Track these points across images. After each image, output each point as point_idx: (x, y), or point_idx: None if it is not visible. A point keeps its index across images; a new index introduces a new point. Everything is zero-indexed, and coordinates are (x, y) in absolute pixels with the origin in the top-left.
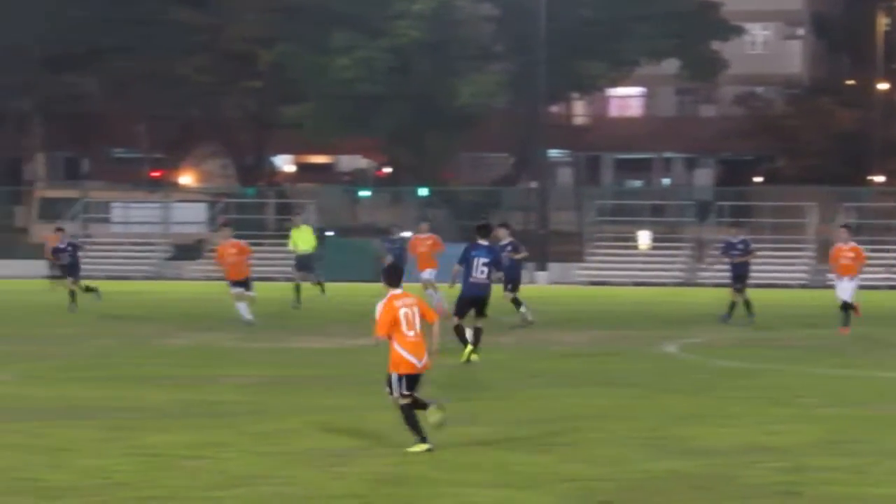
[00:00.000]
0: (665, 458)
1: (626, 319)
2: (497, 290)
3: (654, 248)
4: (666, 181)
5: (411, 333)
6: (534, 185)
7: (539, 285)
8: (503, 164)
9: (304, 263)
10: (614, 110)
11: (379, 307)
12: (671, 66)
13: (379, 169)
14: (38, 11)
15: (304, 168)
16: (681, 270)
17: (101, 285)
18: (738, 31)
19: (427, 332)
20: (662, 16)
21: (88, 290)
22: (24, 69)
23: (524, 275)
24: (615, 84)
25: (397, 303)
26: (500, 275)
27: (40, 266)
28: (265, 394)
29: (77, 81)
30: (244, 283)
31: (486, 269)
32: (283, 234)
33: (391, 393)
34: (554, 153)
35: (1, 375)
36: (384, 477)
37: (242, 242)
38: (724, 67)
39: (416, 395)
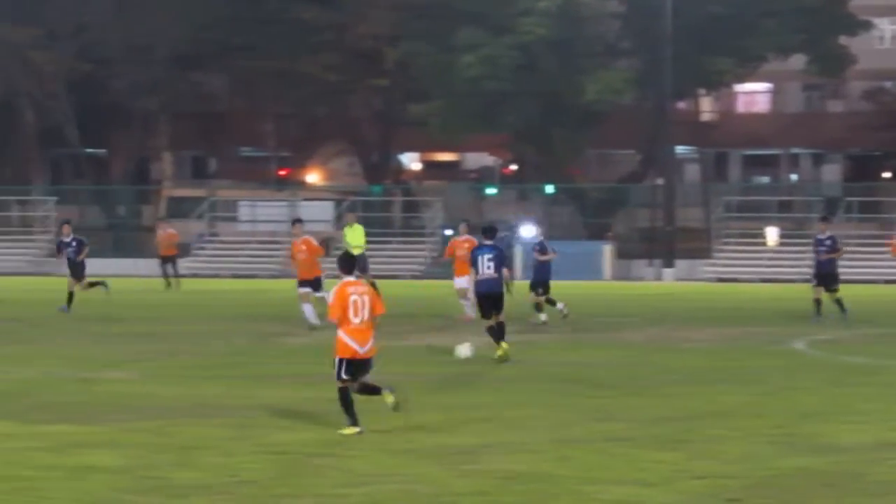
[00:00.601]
0: (793, 455)
1: (753, 316)
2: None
3: (782, 244)
4: (793, 177)
5: (357, 320)
6: (660, 181)
7: (666, 282)
8: (630, 161)
9: (359, 264)
10: (741, 106)
11: (332, 292)
12: (798, 61)
13: (505, 166)
14: (165, 11)
15: (430, 166)
16: (808, 267)
17: (228, 284)
18: (866, 25)
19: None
20: (790, 11)
21: (93, 285)
22: (151, 69)
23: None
24: (742, 80)
25: (349, 289)
26: (506, 272)
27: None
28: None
29: (204, 80)
30: (313, 283)
31: (491, 264)
32: (409, 232)
33: (336, 377)
34: (681, 150)
35: (128, 374)
36: (511, 474)
37: (314, 241)
38: (851, 62)
39: (365, 380)
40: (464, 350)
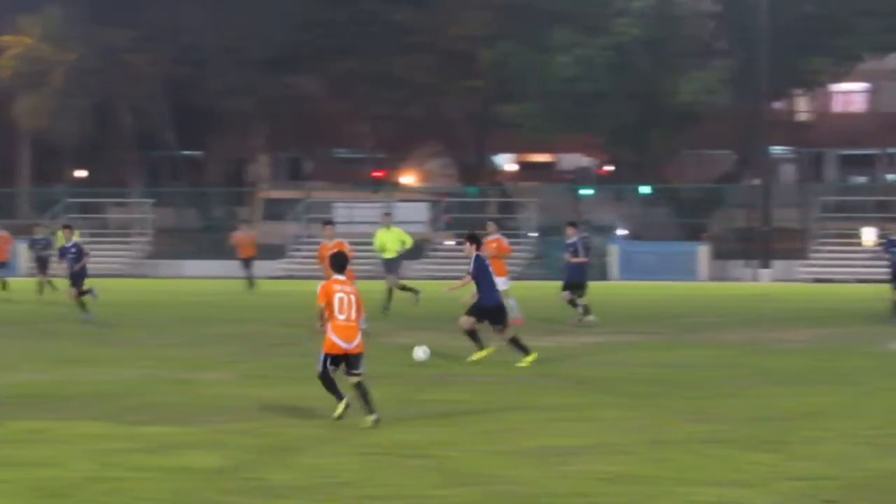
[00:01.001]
0: (890, 458)
1: (849, 317)
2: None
3: (879, 244)
4: (891, 177)
5: (342, 317)
6: (756, 182)
7: (762, 283)
8: (726, 162)
9: (392, 267)
10: (838, 106)
11: (318, 288)
12: (895, 60)
13: (601, 167)
14: (260, 14)
15: (525, 167)
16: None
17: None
18: None
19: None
20: (886, 10)
21: (82, 293)
22: (246, 71)
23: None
24: (838, 79)
25: (336, 287)
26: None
27: (264, 267)
28: (490, 392)
29: (299, 82)
30: None
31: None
32: (505, 233)
33: (318, 367)
34: (776, 150)
35: (225, 375)
36: (608, 475)
37: (346, 244)
38: None
39: (364, 388)
40: (419, 353)
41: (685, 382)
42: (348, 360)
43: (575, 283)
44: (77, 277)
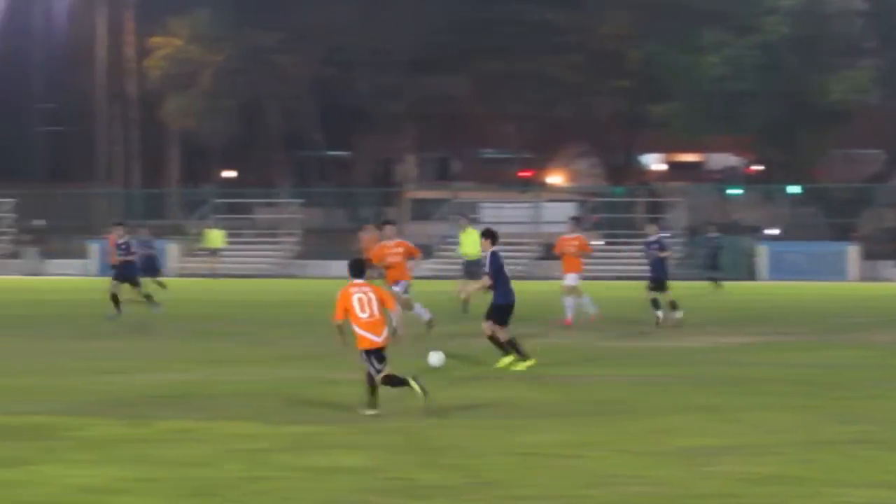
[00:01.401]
0: None
1: None
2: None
3: None
4: None
5: (365, 315)
6: None
7: None
8: (875, 161)
9: (473, 270)
10: None
11: (338, 295)
12: None
13: (748, 166)
14: (407, 15)
15: (674, 166)
16: None
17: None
18: None
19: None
20: None
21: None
22: (394, 72)
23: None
24: None
25: (353, 290)
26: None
27: (415, 266)
28: (635, 393)
29: (446, 83)
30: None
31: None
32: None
33: (368, 369)
34: None
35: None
36: (754, 476)
37: (409, 243)
38: None
39: (388, 372)
40: (434, 359)
41: (833, 383)
42: (379, 353)
43: (658, 282)
44: (126, 274)
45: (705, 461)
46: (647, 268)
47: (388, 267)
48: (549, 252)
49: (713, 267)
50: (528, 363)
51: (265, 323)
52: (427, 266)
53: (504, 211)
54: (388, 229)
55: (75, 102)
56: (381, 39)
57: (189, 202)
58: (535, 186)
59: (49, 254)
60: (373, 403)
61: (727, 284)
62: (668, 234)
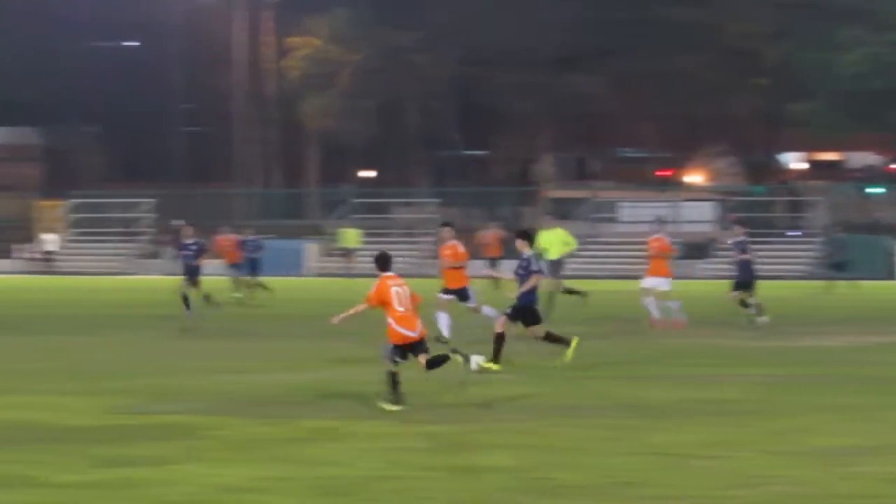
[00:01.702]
0: None
1: None
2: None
3: None
4: None
5: (401, 309)
6: None
7: None
8: None
9: (555, 269)
10: None
11: (374, 285)
12: None
13: (889, 165)
14: (543, 13)
15: (814, 165)
16: None
17: (606, 285)
18: None
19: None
20: None
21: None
22: (532, 71)
23: None
24: None
25: (389, 282)
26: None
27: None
28: (771, 392)
29: (584, 81)
30: (458, 292)
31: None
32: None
33: (387, 360)
34: None
35: (509, 374)
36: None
37: (460, 246)
38: None
39: (429, 357)
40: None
41: None
42: (414, 347)
43: (745, 283)
44: (193, 272)
45: (845, 461)
46: (786, 266)
47: (445, 270)
48: (687, 251)
49: (837, 266)
50: (496, 367)
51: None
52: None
53: (642, 210)
54: (446, 231)
55: (214, 103)
56: (519, 38)
57: (328, 202)
58: (673, 186)
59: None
60: (395, 399)
61: (865, 284)
62: (800, 233)
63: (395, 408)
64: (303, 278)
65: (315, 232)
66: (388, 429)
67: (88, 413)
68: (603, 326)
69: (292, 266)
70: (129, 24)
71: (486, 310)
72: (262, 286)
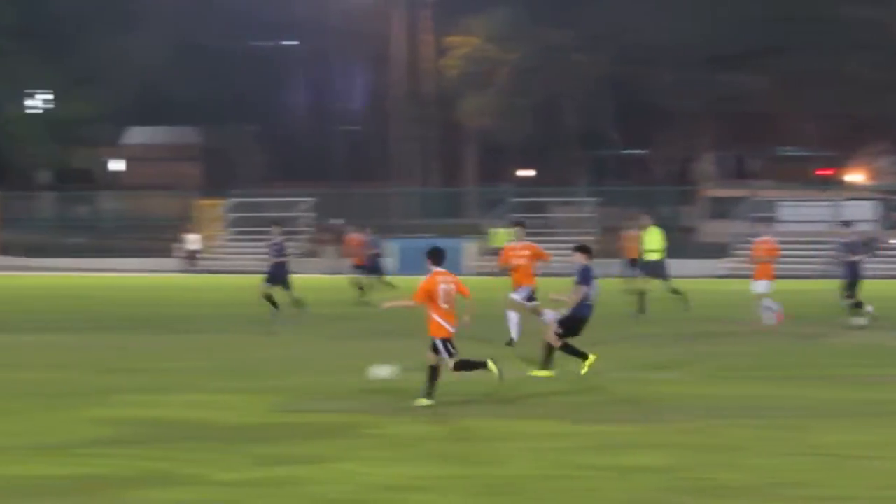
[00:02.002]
0: None
1: None
2: None
3: None
4: None
5: (446, 306)
6: None
7: None
8: None
9: (654, 269)
10: None
11: (424, 280)
12: None
13: None
14: (702, 12)
15: None
16: None
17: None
18: None
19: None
20: None
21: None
22: (692, 69)
23: None
24: None
25: (439, 278)
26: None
27: (710, 266)
28: None
29: (746, 80)
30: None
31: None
32: None
33: (439, 354)
34: None
35: (678, 374)
36: None
37: (537, 246)
38: None
39: (462, 359)
40: (381, 371)
41: None
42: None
43: (852, 283)
44: (278, 276)
45: None
46: None
47: (512, 270)
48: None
49: None
50: (547, 373)
51: None
52: (723, 265)
53: (802, 210)
54: (518, 231)
55: (372, 102)
56: (678, 36)
57: (486, 201)
58: (834, 185)
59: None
60: (431, 394)
61: None
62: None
63: (429, 402)
64: (467, 276)
65: (473, 231)
66: (555, 428)
67: (249, 411)
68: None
69: (450, 265)
70: (288, 24)
71: (548, 314)
72: (389, 285)
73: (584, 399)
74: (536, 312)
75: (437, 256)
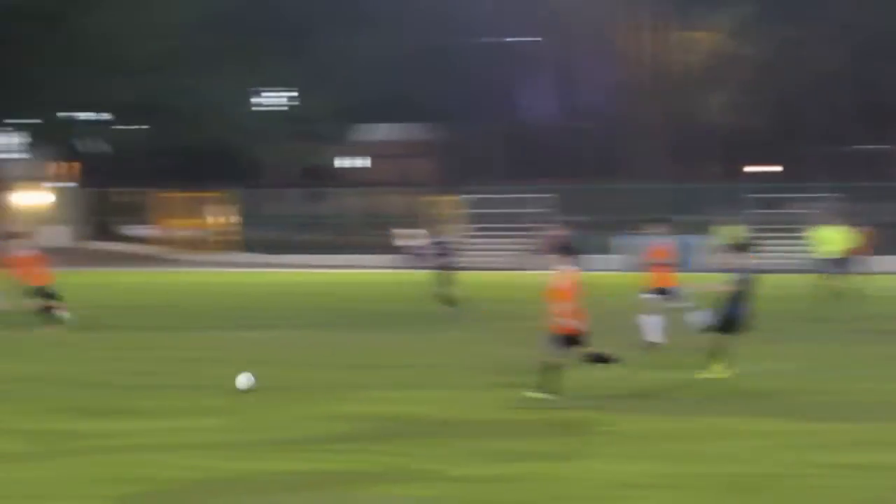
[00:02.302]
0: None
1: None
2: None
3: None
4: None
5: (576, 304)
6: None
7: None
8: None
9: (841, 265)
10: None
11: (561, 278)
12: None
13: None
14: None
15: None
16: None
17: None
18: None
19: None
20: None
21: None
22: None
23: None
24: None
25: (573, 275)
26: None
27: None
28: None
29: None
30: (665, 292)
31: None
32: None
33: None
34: None
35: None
36: None
37: (672, 245)
38: None
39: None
40: (243, 380)
41: None
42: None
43: None
44: (443, 273)
45: None
46: None
47: (651, 269)
48: None
49: None
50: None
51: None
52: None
53: None
54: (658, 227)
55: (613, 98)
56: None
57: (725, 198)
58: None
59: (588, 249)
60: (556, 389)
61: None
62: None
63: (551, 397)
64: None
65: (711, 228)
66: (777, 426)
67: (483, 407)
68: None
69: (683, 261)
70: (529, 20)
71: (696, 315)
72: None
73: (808, 398)
74: (649, 311)
75: (568, 251)
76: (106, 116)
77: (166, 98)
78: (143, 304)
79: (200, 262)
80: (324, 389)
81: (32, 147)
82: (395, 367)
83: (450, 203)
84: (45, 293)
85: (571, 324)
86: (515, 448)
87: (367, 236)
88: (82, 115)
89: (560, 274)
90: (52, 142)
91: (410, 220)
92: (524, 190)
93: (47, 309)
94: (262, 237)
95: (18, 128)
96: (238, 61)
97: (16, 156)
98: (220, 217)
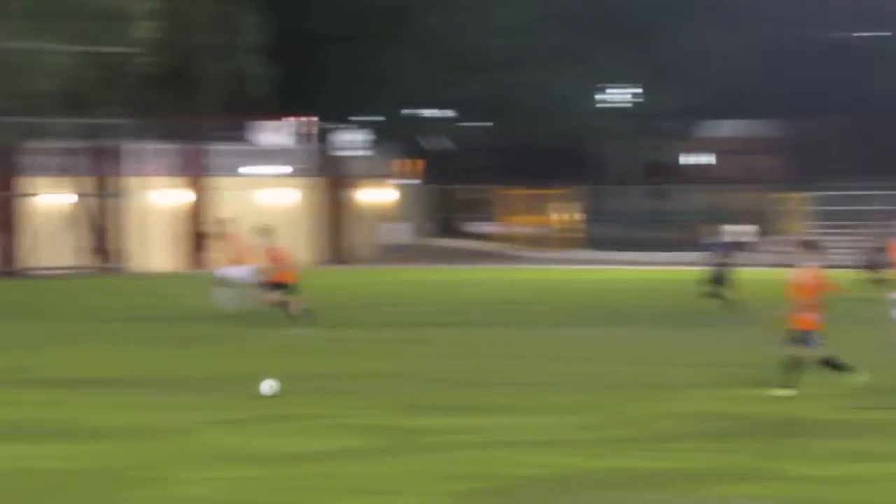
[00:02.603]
0: None
1: None
2: None
3: None
4: None
5: (814, 301)
6: None
7: None
8: None
9: None
10: None
11: (804, 275)
12: None
13: None
14: None
15: None
16: None
17: None
18: None
19: None
20: None
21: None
22: None
23: None
24: None
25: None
26: None
27: None
28: None
29: None
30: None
31: None
32: None
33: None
34: None
35: None
36: None
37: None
38: None
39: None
40: (266, 387)
41: None
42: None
43: None
44: (721, 273)
45: None
46: None
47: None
48: None
49: None
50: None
51: None
52: None
53: None
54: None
55: None
56: None
57: None
58: None
59: None
60: (793, 384)
61: None
62: None
63: (789, 392)
64: None
65: None
66: None
67: (830, 406)
68: None
69: None
70: (877, 15)
71: None
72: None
73: None
74: None
75: (811, 247)
76: (450, 113)
77: (511, 95)
78: (484, 301)
79: (542, 260)
80: (661, 387)
81: (376, 144)
82: (732, 365)
83: (795, 200)
84: (287, 290)
85: (809, 320)
86: (863, 448)
87: (705, 234)
88: (426, 112)
89: (804, 271)
90: (396, 139)
91: (754, 218)
92: (872, 187)
93: (283, 305)
94: (605, 234)
95: (363, 125)
96: (582, 58)
97: (360, 153)
98: (563, 214)
